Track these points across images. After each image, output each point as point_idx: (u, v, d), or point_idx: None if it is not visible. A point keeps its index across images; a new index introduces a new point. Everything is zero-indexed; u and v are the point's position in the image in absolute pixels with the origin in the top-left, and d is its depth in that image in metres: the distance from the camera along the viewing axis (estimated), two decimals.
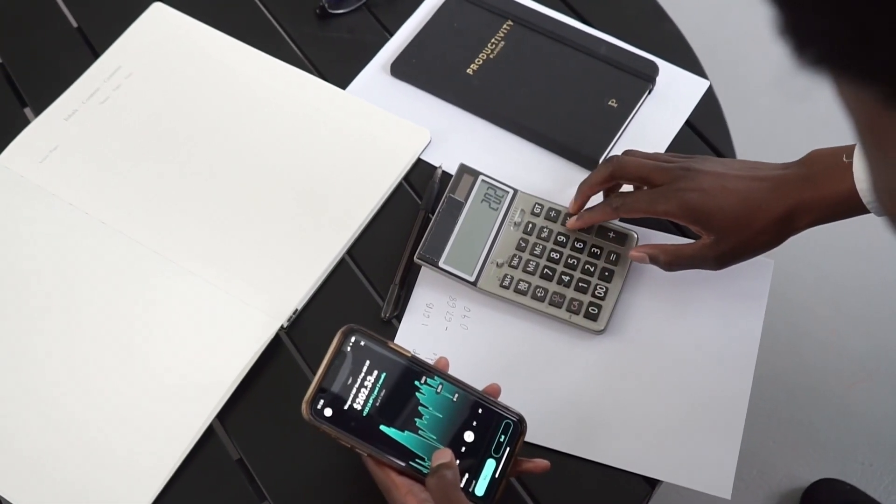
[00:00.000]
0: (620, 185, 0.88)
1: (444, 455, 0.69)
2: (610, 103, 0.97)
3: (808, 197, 0.76)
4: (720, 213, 0.78)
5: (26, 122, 1.00)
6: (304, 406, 0.69)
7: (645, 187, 0.84)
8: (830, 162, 0.76)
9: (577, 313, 0.85)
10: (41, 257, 0.91)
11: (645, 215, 0.82)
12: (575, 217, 0.88)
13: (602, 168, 0.85)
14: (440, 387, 0.72)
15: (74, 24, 1.09)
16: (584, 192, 0.87)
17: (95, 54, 1.05)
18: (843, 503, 1.36)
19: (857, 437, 1.50)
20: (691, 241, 0.83)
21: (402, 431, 0.70)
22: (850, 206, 0.75)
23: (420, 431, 0.71)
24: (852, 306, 1.62)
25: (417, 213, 0.92)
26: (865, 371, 1.55)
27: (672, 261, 0.83)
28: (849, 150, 0.75)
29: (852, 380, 1.55)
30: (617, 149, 0.96)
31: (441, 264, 0.87)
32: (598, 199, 0.89)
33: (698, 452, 0.81)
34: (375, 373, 0.71)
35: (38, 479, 0.80)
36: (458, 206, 0.90)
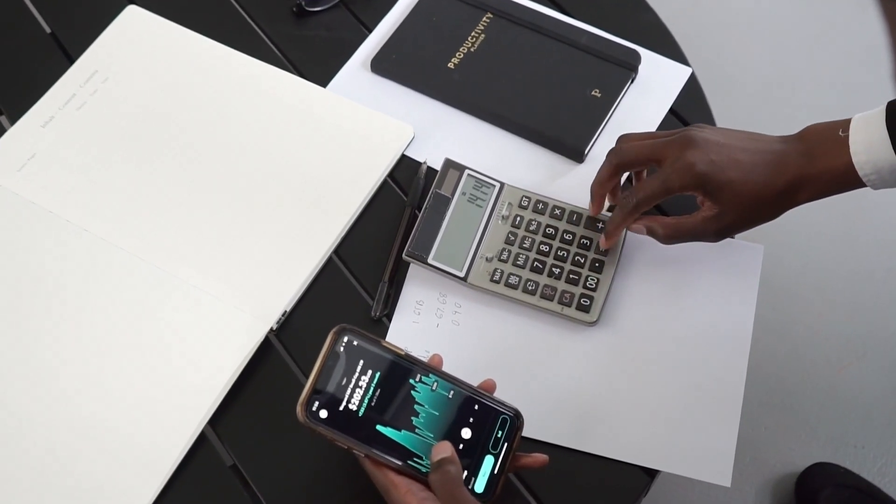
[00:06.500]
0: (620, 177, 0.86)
1: (445, 448, 0.68)
2: (593, 93, 0.97)
3: (807, 172, 0.76)
4: (730, 186, 0.77)
5: (2, 131, 0.99)
6: (298, 408, 0.68)
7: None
8: (827, 136, 0.76)
9: (568, 305, 0.85)
10: (23, 266, 0.89)
11: (663, 198, 0.81)
12: (603, 237, 0.85)
13: (606, 162, 0.83)
14: (435, 384, 0.71)
15: (48, 30, 1.07)
16: (597, 192, 0.85)
17: (70, 60, 1.03)
18: (838, 486, 1.36)
19: (849, 420, 1.50)
20: (688, 214, 0.82)
21: (399, 430, 0.69)
22: (847, 181, 0.76)
23: (417, 430, 0.70)
24: (838, 290, 1.62)
25: (404, 209, 0.91)
26: (854, 354, 1.55)
27: (671, 233, 0.83)
28: (844, 125, 0.76)
29: (841, 363, 1.55)
30: (602, 139, 0.95)
31: (430, 260, 0.86)
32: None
33: (696, 441, 0.80)
34: (370, 372, 0.70)
35: (27, 489, 0.79)
36: (445, 202, 0.89)
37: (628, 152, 0.82)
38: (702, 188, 0.78)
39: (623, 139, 0.85)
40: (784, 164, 0.77)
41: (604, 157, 0.84)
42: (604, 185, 0.84)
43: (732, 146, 0.78)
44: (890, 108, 0.73)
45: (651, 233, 0.84)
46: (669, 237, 0.83)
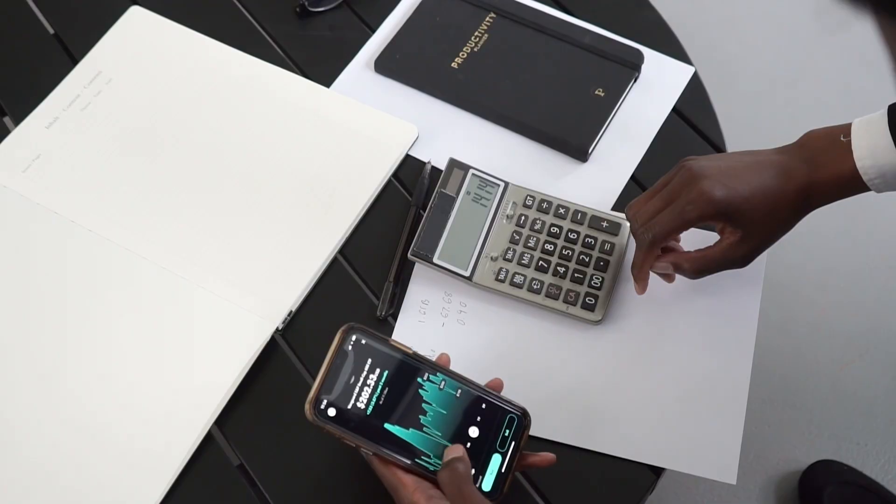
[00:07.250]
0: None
1: (457, 451, 0.69)
2: (597, 92, 0.97)
3: (813, 179, 0.76)
4: (748, 204, 0.75)
5: (6, 132, 0.99)
6: (307, 407, 0.68)
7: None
8: (828, 142, 0.76)
9: (574, 304, 0.85)
10: (27, 267, 0.89)
11: (680, 231, 0.79)
12: (635, 285, 0.83)
13: (638, 242, 0.80)
14: (443, 383, 0.71)
15: (51, 31, 1.07)
16: (640, 270, 0.82)
17: (74, 61, 1.03)
18: (841, 484, 1.36)
19: (852, 417, 1.50)
20: (711, 244, 0.80)
21: (407, 429, 0.70)
22: (854, 186, 0.75)
23: (425, 428, 0.70)
24: (840, 288, 1.63)
25: (409, 209, 0.91)
26: (856, 352, 1.56)
27: (699, 267, 0.80)
28: (845, 130, 0.75)
29: (844, 361, 1.55)
30: (605, 137, 0.95)
31: (435, 260, 0.86)
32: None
33: (701, 439, 0.81)
34: (378, 371, 0.70)
35: (34, 489, 0.79)
36: (450, 201, 0.89)
37: (641, 216, 0.79)
38: (723, 214, 0.76)
39: (629, 208, 0.82)
40: (789, 172, 0.76)
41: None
42: (646, 261, 0.81)
43: (735, 167, 0.77)
44: (892, 112, 0.73)
45: (678, 269, 0.81)
46: (697, 271, 0.81)
